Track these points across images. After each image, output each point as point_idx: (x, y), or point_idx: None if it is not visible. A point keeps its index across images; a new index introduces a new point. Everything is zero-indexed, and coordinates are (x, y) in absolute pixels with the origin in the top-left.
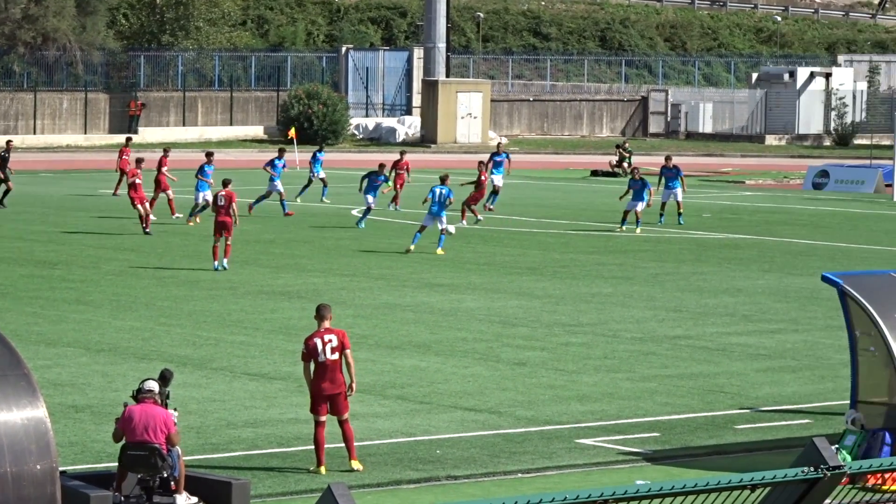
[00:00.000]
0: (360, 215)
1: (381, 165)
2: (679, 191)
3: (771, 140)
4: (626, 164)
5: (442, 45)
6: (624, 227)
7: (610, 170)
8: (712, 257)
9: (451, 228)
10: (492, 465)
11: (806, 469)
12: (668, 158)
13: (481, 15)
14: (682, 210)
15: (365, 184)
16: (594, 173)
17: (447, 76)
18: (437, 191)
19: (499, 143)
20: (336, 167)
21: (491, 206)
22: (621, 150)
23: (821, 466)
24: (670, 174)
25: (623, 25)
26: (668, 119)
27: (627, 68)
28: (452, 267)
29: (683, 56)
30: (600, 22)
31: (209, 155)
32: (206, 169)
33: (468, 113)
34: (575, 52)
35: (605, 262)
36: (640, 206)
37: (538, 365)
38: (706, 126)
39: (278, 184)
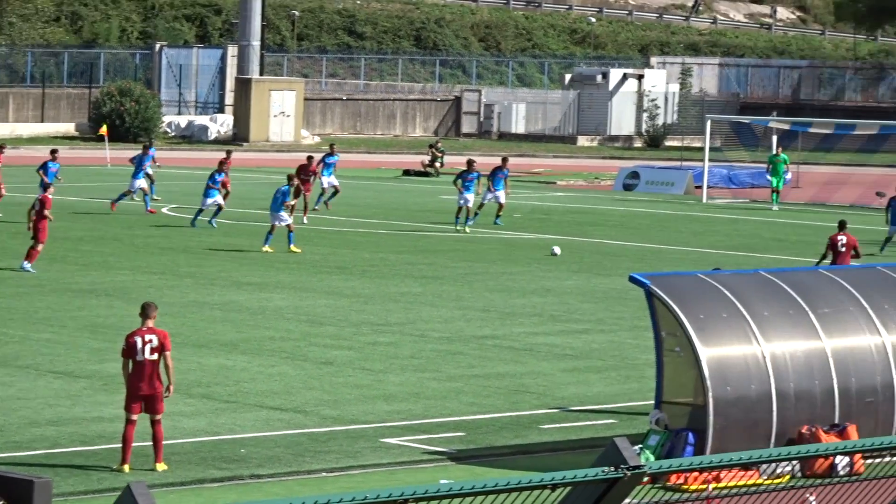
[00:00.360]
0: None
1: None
2: (502, 193)
3: (583, 141)
4: (438, 164)
5: (256, 43)
6: (461, 226)
7: (422, 169)
8: (522, 258)
9: (286, 219)
10: (296, 464)
11: (606, 469)
12: (504, 160)
13: (296, 13)
14: (501, 213)
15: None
16: (406, 173)
17: (261, 74)
18: (281, 189)
19: (332, 145)
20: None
21: (327, 204)
22: (434, 150)
23: (621, 466)
24: (499, 176)
25: (438, 25)
26: (481, 119)
27: (441, 68)
28: (261, 265)
29: (497, 56)
30: (415, 21)
31: (53, 152)
32: (49, 166)
33: (281, 111)
34: (389, 52)
35: (414, 261)
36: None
37: (345, 364)
38: (519, 126)
39: (141, 181)
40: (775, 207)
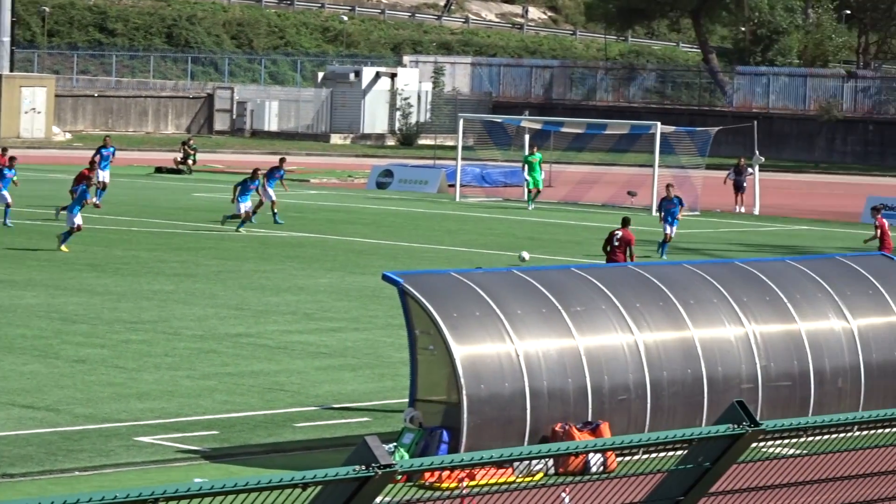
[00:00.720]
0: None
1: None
2: (272, 191)
3: (336, 139)
4: (190, 162)
5: (6, 39)
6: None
7: (175, 167)
8: (275, 255)
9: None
10: (49, 462)
11: (357, 467)
12: (282, 160)
13: (47, 9)
14: (276, 209)
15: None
16: (158, 170)
17: (11, 70)
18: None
19: (105, 137)
20: None
21: (97, 203)
22: (186, 148)
23: (372, 465)
24: (276, 176)
25: (190, 22)
26: (234, 117)
27: (193, 65)
28: (12, 263)
29: (250, 54)
30: (167, 18)
31: None
32: None
33: (32, 108)
34: (141, 49)
35: (167, 259)
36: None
37: (98, 362)
38: (272, 124)
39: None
40: (531, 207)
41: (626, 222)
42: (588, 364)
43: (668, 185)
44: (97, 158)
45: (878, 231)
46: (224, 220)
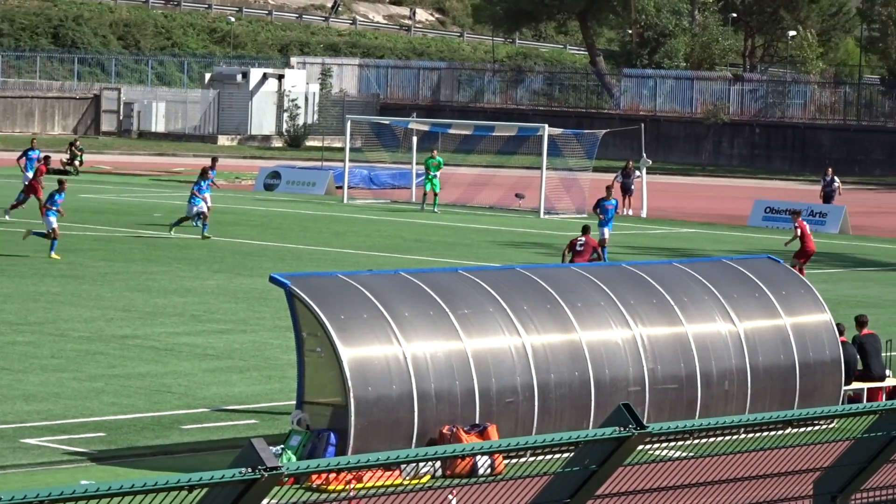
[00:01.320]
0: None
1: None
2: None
3: (223, 140)
4: (77, 163)
5: None
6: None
7: (61, 168)
8: (163, 257)
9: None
10: None
11: (244, 470)
12: (214, 160)
13: None
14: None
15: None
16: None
17: None
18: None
19: (32, 139)
20: None
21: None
22: (73, 149)
23: (258, 467)
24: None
25: (76, 23)
26: (121, 118)
27: (80, 66)
28: None
29: (137, 55)
30: (53, 19)
31: None
32: None
33: None
34: (27, 49)
35: (54, 260)
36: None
37: None
38: (159, 125)
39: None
40: (437, 211)
41: (586, 230)
42: (475, 367)
43: (607, 187)
44: (24, 161)
45: (798, 232)
46: (171, 228)
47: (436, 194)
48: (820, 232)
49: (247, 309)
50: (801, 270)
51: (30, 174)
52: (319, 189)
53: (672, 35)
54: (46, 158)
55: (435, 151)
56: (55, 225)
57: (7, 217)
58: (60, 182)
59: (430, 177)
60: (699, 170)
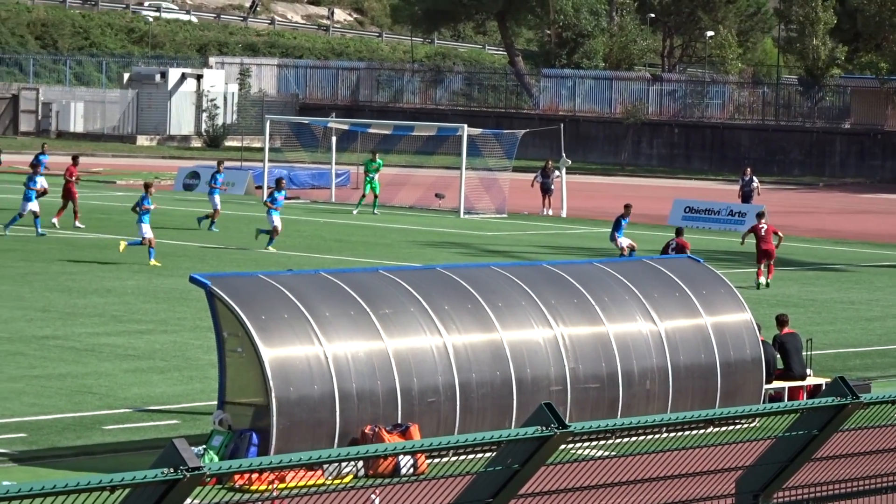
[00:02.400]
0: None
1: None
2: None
3: (143, 140)
4: None
5: None
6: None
7: None
8: (82, 257)
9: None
10: None
11: (165, 470)
12: (220, 163)
13: None
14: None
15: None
16: None
17: None
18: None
19: (43, 144)
20: None
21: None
22: None
23: (180, 467)
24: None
25: None
26: (40, 118)
27: None
28: None
29: (55, 55)
30: None
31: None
32: None
33: None
34: None
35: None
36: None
37: None
38: (78, 125)
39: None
40: (377, 212)
41: (680, 232)
42: (397, 366)
43: (626, 205)
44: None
45: (763, 232)
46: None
47: (375, 196)
48: (739, 231)
49: (167, 309)
50: (769, 268)
51: (41, 181)
52: (239, 189)
53: (590, 36)
54: (75, 158)
55: (376, 154)
56: (150, 234)
57: (54, 222)
58: (147, 185)
59: (369, 178)
60: (619, 170)
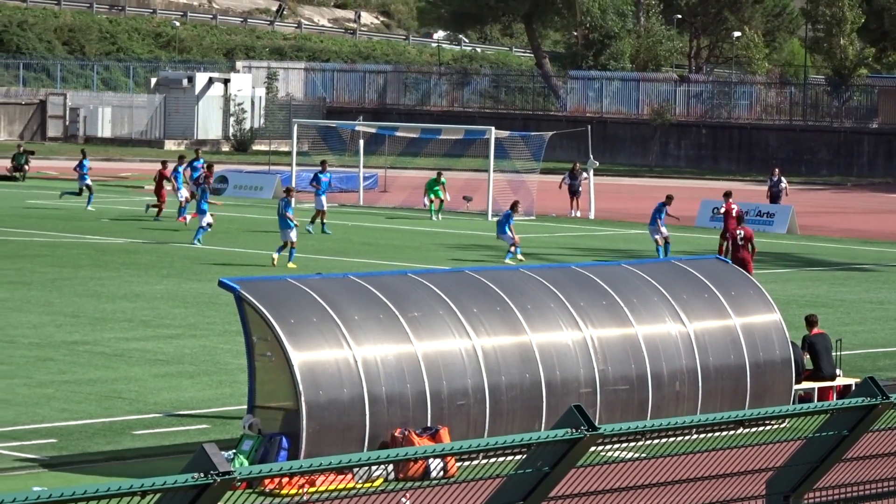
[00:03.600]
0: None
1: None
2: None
3: (170, 145)
4: (27, 167)
5: None
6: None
7: (7, 174)
8: (111, 262)
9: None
10: None
11: (196, 475)
12: (323, 163)
13: None
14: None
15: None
16: None
17: None
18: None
19: (83, 150)
20: None
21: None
22: (21, 153)
23: (210, 472)
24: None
25: (21, 28)
26: (67, 123)
27: (25, 71)
28: None
29: (82, 60)
30: None
31: None
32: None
33: None
34: None
35: (1, 266)
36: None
37: None
38: (105, 130)
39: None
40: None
41: (741, 219)
42: (426, 369)
43: (668, 195)
44: (189, 172)
45: (723, 210)
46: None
47: (441, 201)
48: (768, 232)
49: (196, 314)
50: (723, 250)
51: (183, 190)
52: (267, 193)
53: (617, 37)
54: (210, 166)
55: (441, 174)
56: (294, 237)
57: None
58: (288, 190)
59: (435, 189)
60: (646, 171)
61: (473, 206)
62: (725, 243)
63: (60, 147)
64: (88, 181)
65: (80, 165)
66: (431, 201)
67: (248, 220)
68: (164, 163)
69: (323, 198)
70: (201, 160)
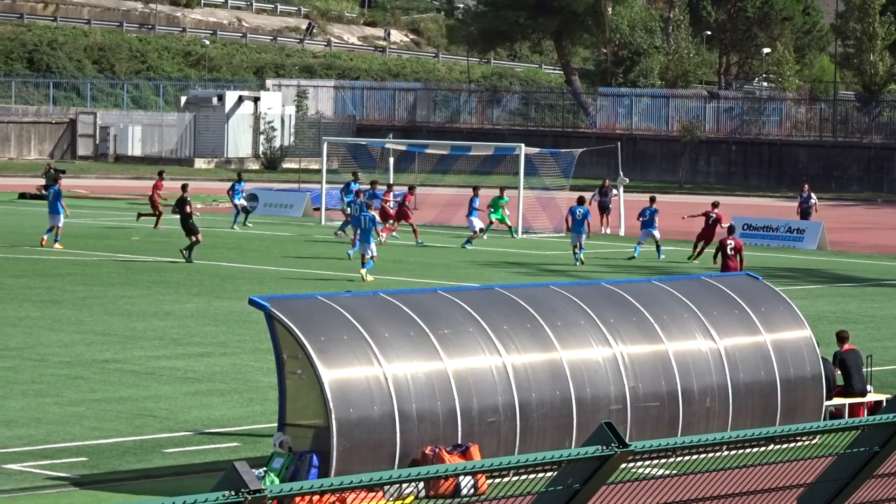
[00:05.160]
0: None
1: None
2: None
3: (200, 163)
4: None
5: None
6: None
7: (38, 192)
8: (141, 281)
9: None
10: None
11: (226, 493)
12: (478, 186)
13: None
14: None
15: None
16: (22, 196)
17: None
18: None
19: (239, 172)
20: None
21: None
22: (53, 171)
23: (241, 490)
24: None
25: (51, 47)
26: (97, 142)
27: (56, 90)
28: None
29: (112, 79)
30: (28, 43)
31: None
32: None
33: None
34: (2, 74)
35: (32, 285)
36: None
37: None
38: (135, 149)
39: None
40: (516, 236)
41: (731, 230)
42: (457, 386)
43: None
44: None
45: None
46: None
47: (509, 226)
48: (798, 248)
49: (227, 332)
50: (699, 251)
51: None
52: (297, 211)
53: (646, 54)
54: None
55: (503, 191)
56: (375, 252)
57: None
58: (368, 206)
59: (496, 211)
60: (676, 188)
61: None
62: (699, 249)
63: (90, 166)
64: (241, 201)
65: (234, 188)
66: (491, 222)
67: (278, 238)
68: (160, 173)
69: (474, 218)
70: (243, 183)
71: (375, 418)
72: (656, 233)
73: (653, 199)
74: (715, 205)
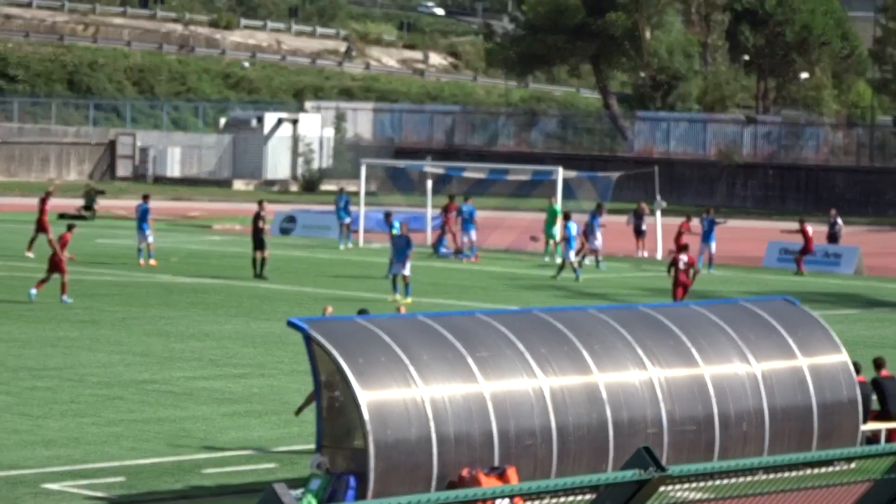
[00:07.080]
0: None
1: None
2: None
3: (239, 185)
4: (96, 207)
5: None
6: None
7: (77, 213)
8: (180, 301)
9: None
10: None
11: None
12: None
13: None
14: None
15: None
16: (62, 216)
17: None
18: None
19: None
20: None
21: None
22: (92, 193)
23: None
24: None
25: (91, 69)
26: (137, 163)
27: (95, 111)
28: None
29: (151, 100)
30: (68, 65)
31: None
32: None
33: None
34: (43, 95)
35: (71, 305)
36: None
37: (3, 409)
38: (174, 170)
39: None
40: (558, 260)
41: (686, 247)
42: (494, 409)
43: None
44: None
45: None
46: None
47: (556, 243)
48: (835, 273)
49: (265, 353)
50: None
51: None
52: (335, 233)
53: (684, 78)
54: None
55: (553, 199)
56: (409, 272)
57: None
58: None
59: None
60: (713, 212)
61: (540, 245)
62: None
63: (130, 186)
64: (347, 220)
65: (344, 205)
66: (547, 242)
67: (317, 260)
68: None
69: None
70: (345, 196)
71: (413, 440)
72: (713, 244)
73: (708, 211)
74: (802, 221)
